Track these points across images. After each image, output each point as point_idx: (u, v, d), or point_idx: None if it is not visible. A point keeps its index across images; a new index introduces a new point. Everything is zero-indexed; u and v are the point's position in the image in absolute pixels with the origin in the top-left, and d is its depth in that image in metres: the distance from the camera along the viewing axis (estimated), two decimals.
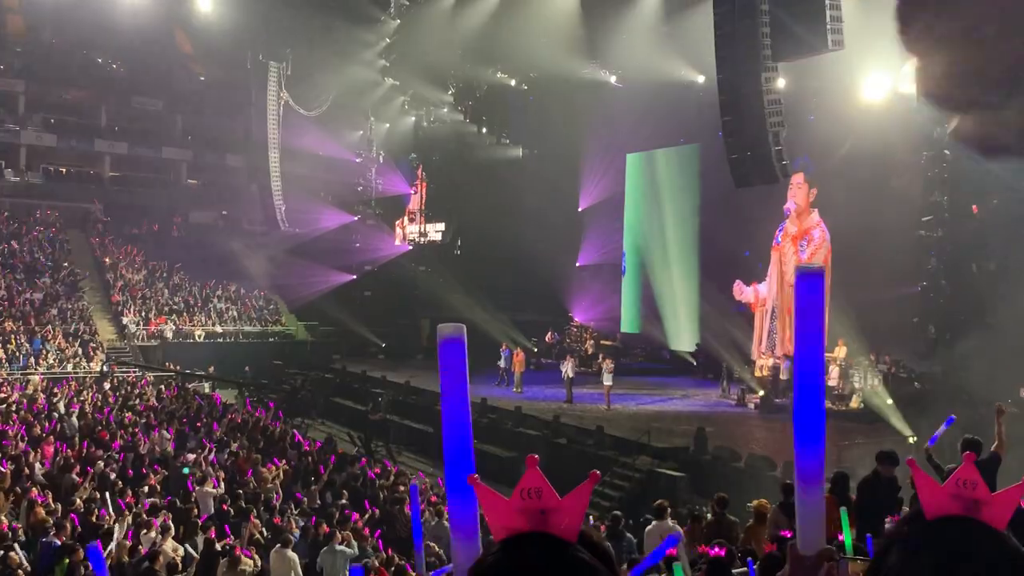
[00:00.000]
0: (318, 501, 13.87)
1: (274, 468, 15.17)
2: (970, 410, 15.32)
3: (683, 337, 29.86)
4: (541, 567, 1.04)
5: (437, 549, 10.52)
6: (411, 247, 43.42)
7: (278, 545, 10.46)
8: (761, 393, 23.52)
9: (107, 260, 37.93)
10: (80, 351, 30.60)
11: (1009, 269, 17.94)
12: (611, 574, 1.09)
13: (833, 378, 22.98)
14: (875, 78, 22.16)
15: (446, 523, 10.58)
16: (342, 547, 10.76)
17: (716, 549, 6.39)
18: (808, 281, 1.18)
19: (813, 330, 1.19)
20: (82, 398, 22.32)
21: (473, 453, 1.22)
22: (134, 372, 28.69)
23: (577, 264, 35.11)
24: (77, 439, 16.75)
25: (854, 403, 21.70)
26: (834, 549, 1.21)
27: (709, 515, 9.74)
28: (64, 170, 44.24)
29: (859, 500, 7.75)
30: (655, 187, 31.92)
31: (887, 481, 7.83)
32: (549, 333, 34.03)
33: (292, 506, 13.29)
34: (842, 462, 15.41)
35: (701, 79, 25.73)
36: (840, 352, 23.69)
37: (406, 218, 44.99)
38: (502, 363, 26.71)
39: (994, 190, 18.57)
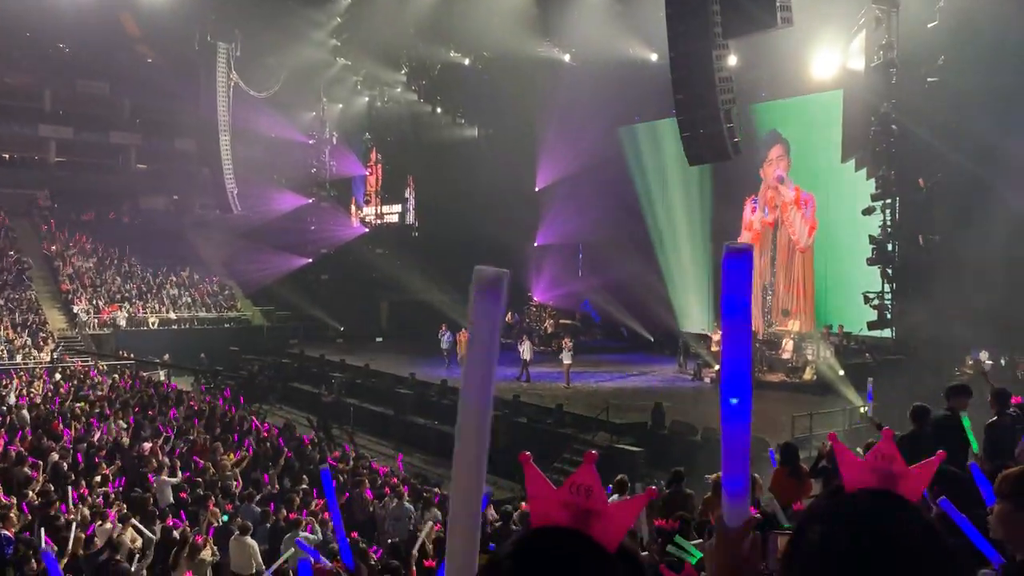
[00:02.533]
0: (277, 487, 13.79)
1: (233, 455, 15.04)
2: (918, 378, 15.75)
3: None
4: (571, 567, 0.99)
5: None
6: (367, 229, 43.09)
7: (237, 532, 10.39)
8: (716, 368, 23.84)
9: (55, 248, 37.09)
10: (29, 341, 29.96)
11: (953, 241, 18.39)
12: None
13: (787, 351, 23.41)
14: (824, 55, 22.46)
15: (407, 504, 10.64)
16: (307, 534, 10.72)
17: (671, 522, 6.50)
18: (739, 259, 1.14)
19: (742, 306, 1.16)
20: (32, 389, 21.88)
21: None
22: (81, 361, 28.17)
23: (535, 244, 35.16)
24: (28, 431, 16.43)
25: (807, 375, 22.12)
26: (758, 516, 1.22)
27: (666, 489, 9.89)
28: (7, 156, 43.04)
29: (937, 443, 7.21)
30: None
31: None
32: (508, 314, 34.10)
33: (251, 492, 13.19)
34: (796, 432, 15.78)
35: (654, 57, 25.82)
36: (793, 325, 24.11)
37: (361, 200, 44.62)
38: (444, 345, 26.79)
39: (939, 165, 18.99)
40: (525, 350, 23.90)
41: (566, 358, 23.30)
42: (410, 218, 42.24)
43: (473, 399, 1.12)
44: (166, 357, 29.85)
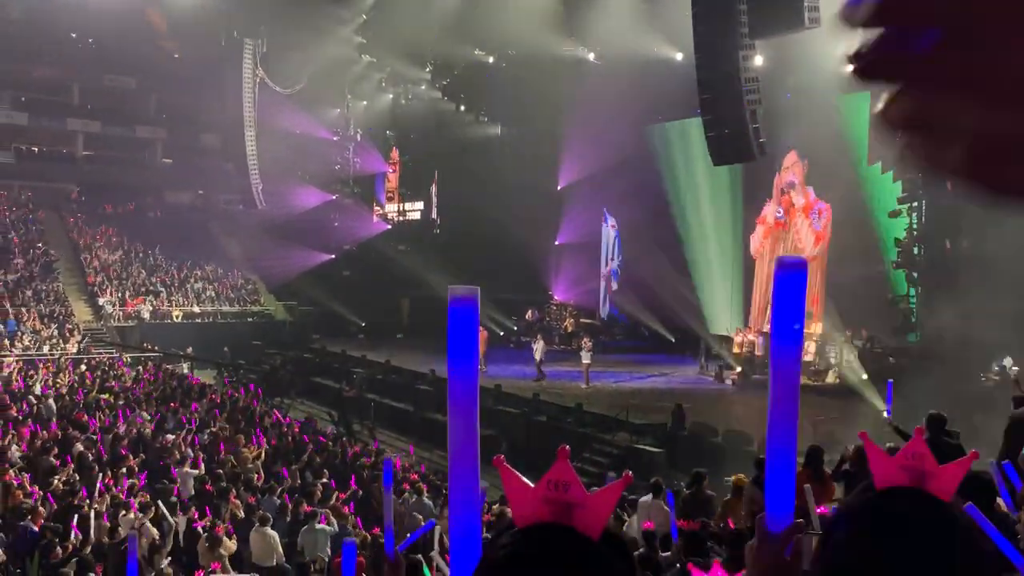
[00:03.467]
0: (299, 480, 13.89)
1: (255, 448, 15.16)
2: (944, 383, 15.58)
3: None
4: (560, 562, 1.01)
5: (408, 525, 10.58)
6: (389, 226, 43.24)
7: (257, 524, 10.48)
8: (739, 369, 23.73)
9: (82, 241, 37.53)
10: (56, 332, 30.33)
11: (980, 245, 18.17)
12: (631, 574, 1.07)
13: (809, 353, 23.22)
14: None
15: (426, 500, 10.66)
16: (322, 526, 10.80)
17: (692, 523, 6.49)
18: (792, 273, 1.16)
19: (792, 323, 1.18)
20: (59, 380, 22.15)
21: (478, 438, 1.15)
22: (106, 353, 28.47)
23: (556, 242, 35.13)
24: (54, 421, 16.66)
25: (830, 378, 21.96)
26: (803, 522, 1.22)
27: (686, 490, 9.86)
28: (36, 149, 43.59)
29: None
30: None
31: None
32: (529, 312, 34.09)
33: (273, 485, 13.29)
34: (817, 436, 15.64)
35: (679, 56, 25.70)
36: (816, 328, 23.90)
37: (383, 197, 44.78)
38: None
39: None
40: (538, 349, 23.83)
41: (585, 358, 23.23)
42: (432, 215, 42.36)
43: None
44: (189, 350, 30.11)
